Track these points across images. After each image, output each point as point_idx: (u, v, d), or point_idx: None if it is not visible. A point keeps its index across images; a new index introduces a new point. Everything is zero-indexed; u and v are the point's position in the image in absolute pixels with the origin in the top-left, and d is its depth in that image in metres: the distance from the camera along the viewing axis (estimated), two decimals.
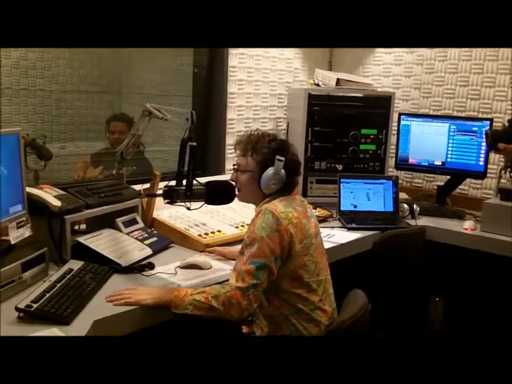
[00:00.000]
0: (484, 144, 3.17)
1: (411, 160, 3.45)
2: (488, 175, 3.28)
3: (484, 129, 2.42)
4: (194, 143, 1.99)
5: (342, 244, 2.70)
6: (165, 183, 2.05)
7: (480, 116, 3.41)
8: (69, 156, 3.09)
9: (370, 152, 3.42)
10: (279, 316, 1.95)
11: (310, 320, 1.94)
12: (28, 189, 2.04)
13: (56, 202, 2.07)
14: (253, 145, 2.02)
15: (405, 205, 3.19)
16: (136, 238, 2.33)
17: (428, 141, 3.37)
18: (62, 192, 2.20)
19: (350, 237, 2.81)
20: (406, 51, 3.76)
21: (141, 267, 2.11)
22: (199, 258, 2.23)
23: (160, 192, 2.08)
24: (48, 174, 2.71)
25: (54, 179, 2.84)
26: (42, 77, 2.97)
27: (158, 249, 2.33)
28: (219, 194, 2.13)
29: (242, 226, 2.63)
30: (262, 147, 2.00)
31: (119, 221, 2.36)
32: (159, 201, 2.30)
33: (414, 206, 3.19)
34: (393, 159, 3.53)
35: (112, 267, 2.04)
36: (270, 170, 1.96)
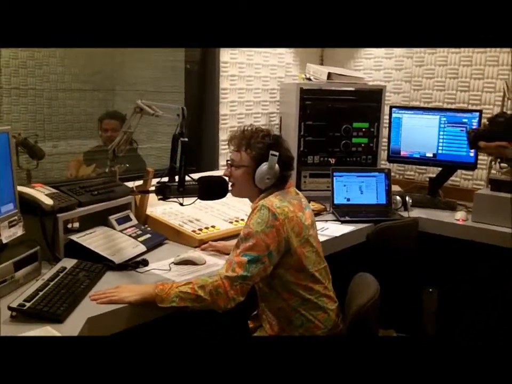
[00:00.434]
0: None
1: (403, 153, 3.47)
2: (478, 166, 3.30)
3: (470, 128, 2.42)
4: (186, 139, 2.00)
5: (336, 236, 2.72)
6: (158, 180, 2.06)
7: (469, 107, 3.43)
8: (62, 155, 3.09)
9: (363, 145, 3.43)
10: (288, 308, 1.99)
11: (318, 308, 1.99)
12: (20, 188, 2.04)
13: (48, 201, 2.07)
14: (247, 141, 2.04)
15: (398, 197, 3.21)
16: (130, 235, 2.33)
17: (419, 133, 3.38)
18: (54, 190, 2.20)
19: (344, 229, 2.83)
20: None
21: (134, 264, 2.11)
22: (193, 254, 2.24)
23: (153, 188, 2.09)
24: (41, 173, 2.71)
25: (47, 178, 2.84)
26: (34, 76, 2.96)
27: (152, 245, 2.34)
28: (212, 190, 2.14)
29: (236, 221, 2.64)
30: (256, 142, 2.02)
31: (112, 218, 2.36)
32: (153, 198, 2.30)
33: (407, 198, 3.20)
34: (385, 151, 3.55)
35: (106, 264, 2.05)
36: (264, 165, 1.99)
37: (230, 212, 2.74)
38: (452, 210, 3.16)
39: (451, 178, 3.43)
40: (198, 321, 1.99)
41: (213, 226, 2.54)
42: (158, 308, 1.79)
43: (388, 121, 3.51)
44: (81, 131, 3.25)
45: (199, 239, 2.40)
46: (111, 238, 2.26)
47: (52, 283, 1.79)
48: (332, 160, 3.40)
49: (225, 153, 3.43)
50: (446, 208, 3.20)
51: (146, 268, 2.11)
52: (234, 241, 1.98)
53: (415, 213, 3.16)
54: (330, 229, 2.81)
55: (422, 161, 3.46)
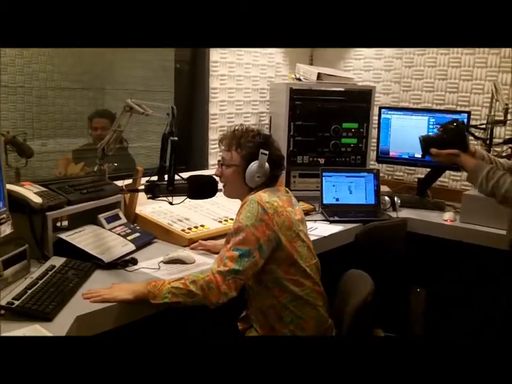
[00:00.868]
0: None
1: (392, 153, 3.49)
2: None
3: (420, 135, 2.41)
4: (176, 138, 2.00)
5: (325, 236, 2.73)
6: (147, 179, 2.05)
7: (458, 108, 3.46)
8: (51, 153, 3.07)
9: (352, 145, 3.45)
10: (278, 305, 1.99)
11: (308, 305, 2.01)
12: (9, 186, 2.03)
13: (37, 199, 2.06)
14: (237, 140, 2.06)
15: (386, 198, 3.22)
16: (119, 234, 2.33)
17: (408, 134, 3.40)
18: (43, 188, 2.19)
19: (333, 229, 2.84)
20: None
21: (124, 262, 2.11)
22: (182, 253, 2.24)
23: (142, 187, 2.09)
24: (30, 172, 2.69)
25: (36, 176, 2.82)
26: (22, 74, 2.95)
27: (141, 244, 2.34)
28: (201, 189, 2.15)
29: (225, 220, 2.64)
30: (247, 142, 2.04)
31: (102, 217, 2.36)
32: (142, 196, 2.30)
33: (395, 198, 3.22)
34: (374, 152, 3.57)
35: (95, 263, 2.05)
36: (254, 164, 2.01)
37: (219, 211, 2.75)
38: (440, 211, 3.18)
39: (439, 179, 3.46)
40: (186, 320, 1.99)
41: (202, 226, 2.54)
42: (150, 306, 1.79)
43: (377, 121, 3.53)
44: (70, 130, 3.23)
45: (188, 238, 2.41)
46: (100, 236, 2.25)
47: (40, 281, 1.79)
48: (321, 160, 3.41)
49: (214, 152, 3.44)
50: (435, 209, 3.22)
51: (135, 267, 2.11)
52: (223, 241, 1.99)
53: (404, 213, 3.17)
54: (319, 228, 2.82)
55: (411, 161, 3.48)
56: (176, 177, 2.02)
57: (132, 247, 2.27)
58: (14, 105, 2.91)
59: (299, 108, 3.35)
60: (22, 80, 2.93)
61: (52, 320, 1.60)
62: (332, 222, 2.95)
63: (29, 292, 1.70)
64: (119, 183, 2.52)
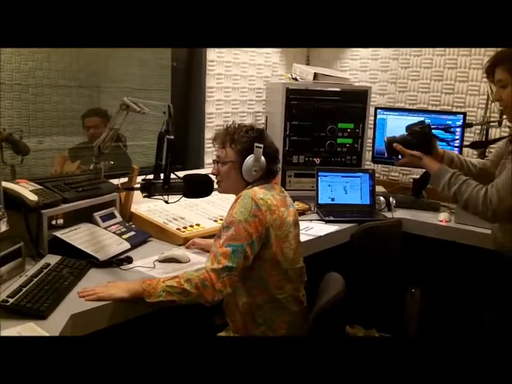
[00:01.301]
0: (457, 137, 3.22)
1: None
2: None
3: (386, 137, 2.37)
4: (172, 137, 2.00)
5: (320, 236, 2.73)
6: (143, 177, 2.06)
7: (454, 109, 3.47)
8: (47, 151, 3.07)
9: (348, 145, 3.45)
10: (253, 304, 1.99)
11: (283, 309, 1.99)
12: (4, 184, 2.03)
13: (33, 197, 2.06)
14: (231, 137, 2.06)
15: (382, 198, 3.23)
16: (114, 232, 2.33)
17: None
18: (38, 186, 2.19)
19: (328, 229, 2.84)
20: None
21: (118, 261, 2.11)
22: (177, 252, 2.24)
23: (138, 186, 2.09)
24: (26, 169, 2.69)
25: (31, 174, 2.82)
26: (19, 71, 2.95)
27: (136, 243, 2.34)
28: (197, 188, 2.15)
29: (221, 219, 2.64)
30: (240, 137, 2.04)
31: (97, 215, 2.36)
32: (137, 195, 2.30)
33: (390, 198, 3.23)
34: (370, 152, 3.58)
35: (90, 261, 2.05)
36: (250, 158, 2.00)
37: (214, 210, 2.75)
38: (435, 212, 3.19)
39: None
40: (165, 318, 1.98)
41: (197, 225, 2.55)
42: (145, 304, 1.79)
43: (372, 122, 3.54)
44: (66, 127, 3.24)
45: (183, 237, 2.41)
46: (96, 234, 2.25)
47: (35, 279, 1.79)
48: (317, 160, 3.42)
49: (210, 151, 3.44)
50: (430, 209, 3.23)
51: (130, 265, 2.11)
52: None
53: (399, 213, 3.18)
54: (314, 228, 2.82)
55: None
56: (172, 176, 2.03)
57: (127, 245, 2.27)
58: (10, 103, 2.91)
59: (295, 107, 3.36)
60: (18, 77, 2.93)
61: (46, 318, 1.60)
62: (327, 221, 2.96)
63: (24, 289, 1.70)
64: (115, 181, 2.52)
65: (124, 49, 3.38)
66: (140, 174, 2.48)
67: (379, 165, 3.70)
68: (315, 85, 3.43)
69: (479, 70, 3.36)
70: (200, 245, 2.37)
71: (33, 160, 2.89)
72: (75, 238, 2.16)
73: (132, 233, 2.39)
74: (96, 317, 1.74)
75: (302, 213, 3.03)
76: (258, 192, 1.95)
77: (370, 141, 3.55)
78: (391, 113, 3.50)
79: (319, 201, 3.16)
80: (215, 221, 2.63)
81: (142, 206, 2.62)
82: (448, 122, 3.28)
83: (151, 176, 2.04)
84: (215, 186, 2.18)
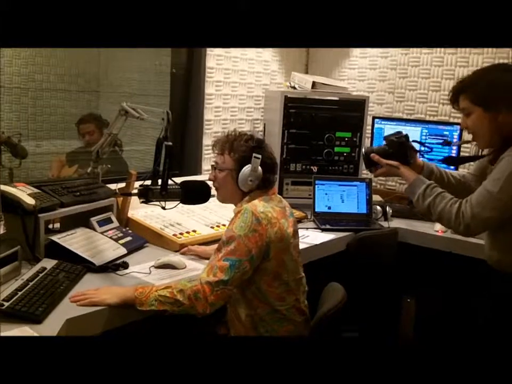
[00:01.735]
0: (454, 148, 3.24)
1: None
2: None
3: (363, 148, 2.37)
4: (170, 143, 2.01)
5: (316, 244, 2.73)
6: (140, 183, 2.06)
7: (451, 120, 3.49)
8: (45, 155, 3.08)
9: (345, 154, 3.47)
10: (255, 316, 1.98)
11: (285, 320, 1.99)
12: (2, 187, 2.03)
13: (30, 200, 2.06)
14: (230, 144, 2.05)
15: (378, 207, 3.24)
16: (111, 237, 2.33)
17: None
18: (36, 190, 2.19)
19: (324, 237, 2.85)
20: (380, 56, 3.82)
21: (115, 266, 2.11)
22: (173, 258, 2.24)
23: (135, 191, 2.09)
24: (23, 173, 2.70)
25: (29, 178, 2.83)
26: (19, 75, 2.95)
27: (132, 248, 2.34)
28: (194, 194, 2.16)
29: (217, 226, 2.65)
30: (239, 145, 2.03)
31: (94, 220, 2.36)
32: (135, 200, 2.31)
33: (387, 208, 3.24)
34: None
35: (86, 266, 2.05)
36: (247, 168, 1.99)
37: (211, 217, 2.75)
38: (432, 222, 3.19)
39: None
40: (167, 326, 1.98)
41: (194, 231, 2.55)
42: (137, 311, 1.79)
43: (370, 131, 3.55)
44: (65, 131, 3.24)
45: (180, 243, 2.41)
46: (92, 239, 2.25)
47: (31, 283, 1.79)
48: (314, 168, 3.43)
49: (208, 158, 3.45)
50: (426, 219, 3.23)
51: (126, 271, 2.10)
52: (214, 246, 1.99)
53: (395, 223, 3.19)
54: (310, 236, 2.83)
55: None
56: (170, 182, 2.03)
57: (123, 250, 2.27)
58: (9, 106, 2.91)
59: (293, 115, 3.37)
60: (18, 81, 2.94)
61: (41, 322, 1.60)
62: (323, 230, 2.96)
63: (19, 293, 1.70)
64: (112, 186, 2.52)
65: (123, 54, 3.39)
66: (137, 180, 2.48)
67: None
68: (313, 93, 3.45)
69: None
70: (195, 251, 2.36)
71: (31, 163, 2.89)
72: (71, 242, 2.16)
73: (129, 238, 2.38)
74: (91, 322, 1.73)
75: (298, 221, 3.03)
76: (258, 205, 1.95)
77: None
78: (388, 122, 3.52)
79: (316, 210, 3.17)
80: (212, 227, 2.63)
81: (139, 211, 2.62)
82: (445, 132, 3.30)
83: (148, 182, 2.04)
84: (213, 193, 2.18)
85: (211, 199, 2.21)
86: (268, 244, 1.90)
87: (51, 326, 1.59)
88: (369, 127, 3.54)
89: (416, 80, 3.66)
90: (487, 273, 2.13)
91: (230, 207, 2.16)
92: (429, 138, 3.35)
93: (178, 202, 2.11)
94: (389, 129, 3.46)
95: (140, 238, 2.44)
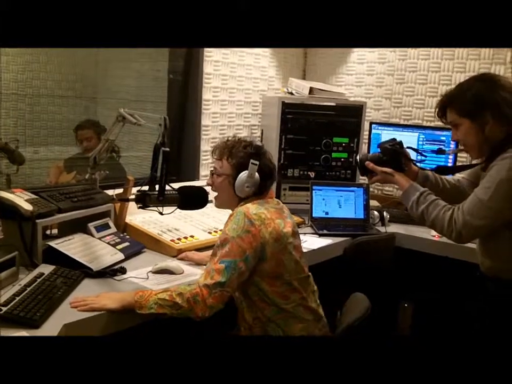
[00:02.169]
0: (451, 157, 3.26)
1: None
2: None
3: (358, 155, 2.37)
4: (167, 149, 2.01)
5: (314, 249, 2.74)
6: (138, 188, 2.06)
7: (448, 126, 3.49)
8: (42, 161, 3.08)
9: (342, 160, 3.48)
10: (263, 318, 1.98)
11: (294, 318, 1.99)
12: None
13: (28, 206, 2.06)
14: (229, 150, 2.06)
15: (375, 212, 3.25)
16: (108, 243, 2.33)
17: None
18: (34, 196, 2.19)
19: (322, 243, 2.86)
20: (377, 61, 3.84)
21: (112, 271, 2.11)
22: (171, 263, 2.24)
23: (133, 197, 2.10)
24: (21, 179, 2.70)
25: (27, 184, 2.83)
26: (16, 81, 2.96)
27: (130, 254, 2.34)
28: (192, 199, 2.16)
29: (215, 231, 2.65)
30: (238, 151, 2.04)
31: (91, 225, 2.36)
32: (132, 206, 2.31)
33: (384, 213, 3.24)
34: None
35: (84, 271, 2.05)
36: (244, 174, 2.00)
37: (209, 222, 2.76)
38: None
39: None
40: (177, 329, 1.98)
41: (191, 236, 2.55)
42: (136, 315, 1.79)
43: (367, 136, 3.56)
44: (62, 137, 3.25)
45: (177, 249, 2.41)
46: (90, 245, 2.25)
47: (29, 288, 1.79)
48: (312, 174, 3.44)
49: (206, 163, 3.46)
50: (423, 224, 3.23)
51: (124, 276, 2.11)
52: (210, 252, 1.99)
53: (392, 228, 3.20)
54: (308, 241, 2.83)
55: None
56: (167, 187, 2.04)
57: (121, 256, 2.27)
58: (7, 112, 2.91)
59: (291, 121, 3.38)
60: (15, 87, 2.95)
61: (39, 327, 1.60)
62: (321, 235, 2.97)
63: (17, 298, 1.70)
64: (110, 192, 2.52)
65: (121, 60, 3.40)
66: (135, 185, 2.49)
67: None
68: (311, 99, 3.46)
69: None
70: (192, 259, 2.37)
71: (28, 169, 2.90)
72: (69, 248, 2.16)
73: (126, 244, 2.39)
74: (89, 327, 1.73)
75: None
76: (251, 207, 1.95)
77: None
78: (385, 128, 3.53)
79: (313, 215, 3.17)
80: (210, 232, 2.64)
81: (137, 217, 2.62)
82: (442, 138, 3.31)
83: (146, 188, 2.04)
84: (210, 198, 2.19)
85: (208, 205, 2.22)
86: (262, 244, 1.90)
87: (49, 331, 1.59)
88: (367, 133, 3.55)
89: (413, 86, 3.68)
90: (482, 278, 2.14)
91: (228, 212, 2.16)
92: (426, 144, 3.36)
93: (176, 207, 2.11)
94: (386, 134, 3.47)
95: (137, 243, 2.44)
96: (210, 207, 2.24)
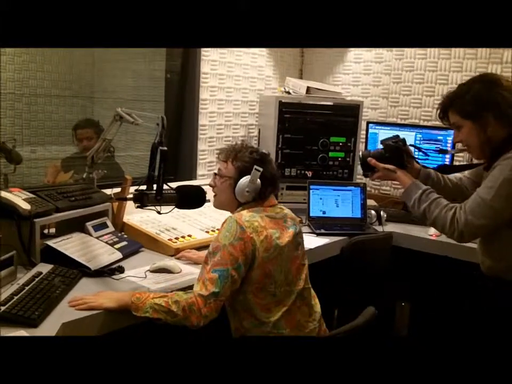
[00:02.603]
0: (448, 156, 3.27)
1: None
2: None
3: (360, 152, 2.36)
4: (165, 148, 2.01)
5: (311, 249, 2.73)
6: (135, 188, 2.06)
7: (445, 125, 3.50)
8: (40, 160, 3.07)
9: (339, 159, 3.48)
10: (242, 329, 1.98)
11: (272, 333, 1.95)
12: None
13: (26, 206, 2.06)
14: (235, 153, 2.07)
15: (373, 212, 3.25)
16: (106, 242, 2.33)
17: None
18: (31, 195, 2.19)
19: (319, 242, 2.86)
20: (374, 61, 3.85)
21: (110, 271, 2.11)
22: (169, 262, 2.25)
23: (130, 196, 2.10)
24: (19, 178, 2.69)
25: (24, 183, 2.82)
26: (13, 80, 2.95)
27: (128, 253, 2.34)
28: (189, 199, 2.16)
29: (213, 231, 2.65)
30: (243, 156, 2.05)
31: (89, 224, 2.36)
32: (130, 205, 2.30)
33: (381, 212, 3.25)
34: None
35: (82, 270, 2.05)
36: (246, 178, 2.00)
37: (206, 221, 2.76)
38: (426, 226, 3.20)
39: None
40: (171, 330, 1.99)
41: (189, 235, 2.55)
42: (133, 316, 1.79)
43: (364, 136, 3.57)
44: (59, 137, 3.24)
45: (175, 248, 2.41)
46: (88, 244, 2.26)
47: (27, 287, 1.79)
48: (309, 173, 3.44)
49: (203, 163, 3.46)
50: (420, 224, 3.25)
51: (122, 275, 2.11)
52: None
53: (390, 227, 3.20)
54: (305, 241, 2.81)
55: None
56: (165, 187, 2.04)
57: (118, 255, 2.27)
58: (4, 112, 2.91)
59: (288, 120, 3.39)
60: (12, 86, 2.94)
61: (37, 327, 1.60)
62: (318, 234, 2.97)
63: (15, 298, 1.70)
64: (108, 191, 2.52)
65: (118, 60, 3.40)
66: (132, 185, 2.49)
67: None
68: (308, 98, 3.46)
69: None
70: (190, 258, 2.37)
71: (26, 169, 2.89)
72: (67, 247, 2.16)
73: (124, 243, 2.39)
74: (87, 326, 1.73)
75: None
76: (245, 215, 1.95)
77: None
78: (382, 127, 3.54)
79: (310, 214, 3.18)
80: (207, 232, 2.64)
81: (135, 216, 2.62)
82: (439, 137, 3.32)
83: (144, 187, 2.04)
84: (207, 197, 2.19)
85: (206, 204, 2.22)
86: (253, 251, 1.89)
87: (47, 330, 1.59)
88: (364, 132, 3.56)
89: (410, 85, 3.68)
90: (481, 278, 2.14)
91: (225, 212, 2.16)
92: (423, 143, 3.37)
93: (174, 207, 2.12)
94: (383, 134, 3.48)
95: (135, 242, 2.45)
96: (207, 206, 2.25)
